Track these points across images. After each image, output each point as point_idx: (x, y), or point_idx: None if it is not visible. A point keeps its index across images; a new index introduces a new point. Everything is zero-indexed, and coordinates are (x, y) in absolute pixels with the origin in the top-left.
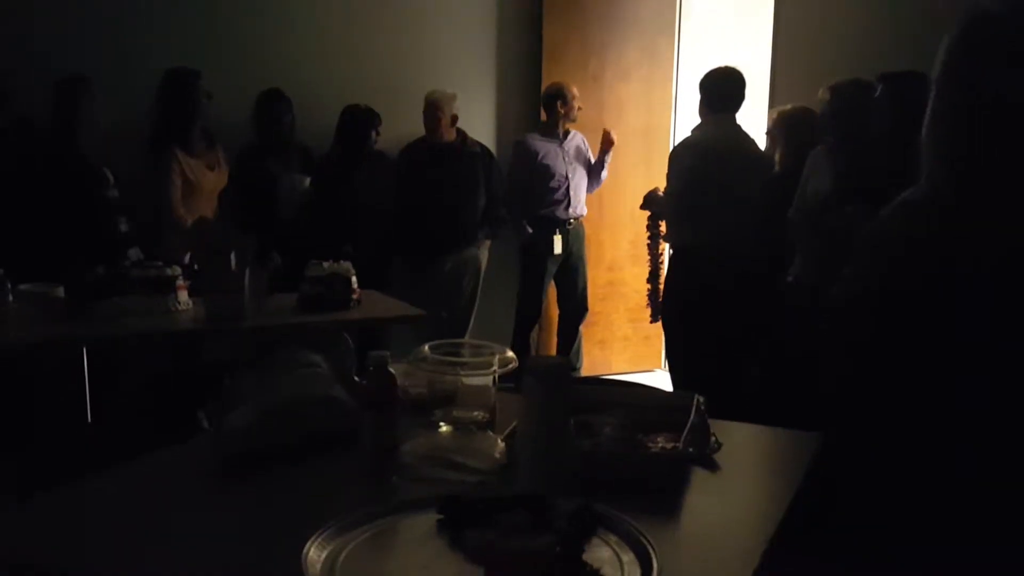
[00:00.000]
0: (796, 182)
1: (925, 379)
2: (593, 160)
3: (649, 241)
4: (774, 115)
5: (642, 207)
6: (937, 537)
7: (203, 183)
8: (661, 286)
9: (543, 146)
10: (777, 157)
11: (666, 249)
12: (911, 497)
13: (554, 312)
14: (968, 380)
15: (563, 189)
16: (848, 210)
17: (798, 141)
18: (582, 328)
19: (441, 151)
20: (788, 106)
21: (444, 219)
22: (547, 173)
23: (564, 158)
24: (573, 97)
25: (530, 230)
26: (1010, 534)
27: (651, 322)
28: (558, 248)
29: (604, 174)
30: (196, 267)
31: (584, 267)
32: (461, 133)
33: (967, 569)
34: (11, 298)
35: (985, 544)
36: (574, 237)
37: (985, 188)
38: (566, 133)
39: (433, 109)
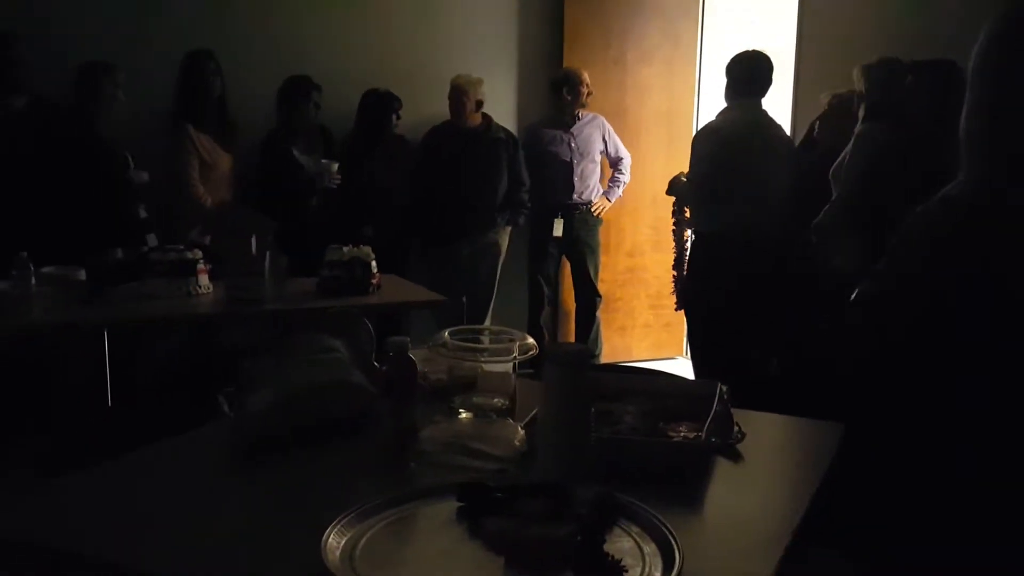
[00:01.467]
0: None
1: (946, 379)
2: (611, 148)
3: (675, 227)
4: (830, 98)
5: (667, 192)
6: (937, 537)
7: (218, 163)
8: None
9: (547, 133)
10: (831, 140)
11: (690, 235)
12: (913, 497)
13: (570, 299)
14: (985, 381)
15: (565, 176)
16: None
17: (850, 124)
18: (601, 315)
19: (465, 136)
20: (843, 90)
21: (466, 203)
22: (549, 160)
23: (571, 144)
24: (581, 83)
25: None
26: (1010, 534)
27: (676, 310)
28: (558, 231)
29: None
30: (217, 246)
31: (594, 255)
32: (486, 118)
33: (967, 569)
34: (34, 281)
35: (985, 544)
36: (580, 223)
37: (1014, 186)
38: (577, 118)
39: (458, 94)
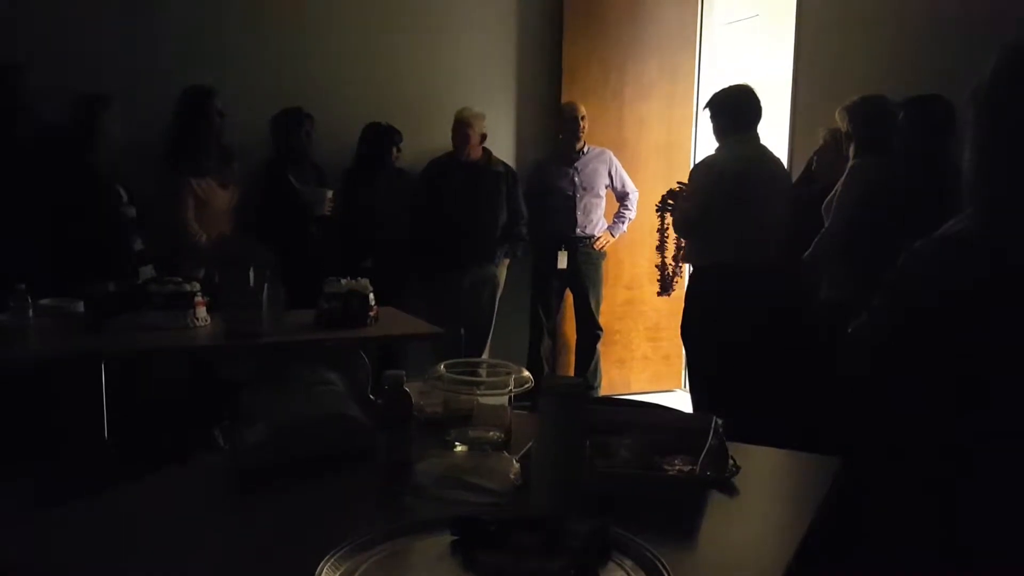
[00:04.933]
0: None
1: (948, 411)
2: (617, 183)
3: (658, 205)
4: (825, 134)
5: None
6: (946, 543)
7: (214, 201)
8: (667, 259)
9: (551, 167)
10: (830, 174)
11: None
12: (923, 505)
13: (571, 331)
14: (985, 417)
15: (568, 210)
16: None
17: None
18: (600, 347)
19: (466, 169)
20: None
21: (465, 236)
22: (553, 194)
23: (575, 178)
24: (573, 118)
25: None
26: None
27: (659, 294)
28: (562, 263)
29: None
30: (216, 280)
31: (596, 288)
32: (486, 152)
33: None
34: (31, 312)
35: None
36: (583, 257)
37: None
38: (582, 152)
39: (463, 127)
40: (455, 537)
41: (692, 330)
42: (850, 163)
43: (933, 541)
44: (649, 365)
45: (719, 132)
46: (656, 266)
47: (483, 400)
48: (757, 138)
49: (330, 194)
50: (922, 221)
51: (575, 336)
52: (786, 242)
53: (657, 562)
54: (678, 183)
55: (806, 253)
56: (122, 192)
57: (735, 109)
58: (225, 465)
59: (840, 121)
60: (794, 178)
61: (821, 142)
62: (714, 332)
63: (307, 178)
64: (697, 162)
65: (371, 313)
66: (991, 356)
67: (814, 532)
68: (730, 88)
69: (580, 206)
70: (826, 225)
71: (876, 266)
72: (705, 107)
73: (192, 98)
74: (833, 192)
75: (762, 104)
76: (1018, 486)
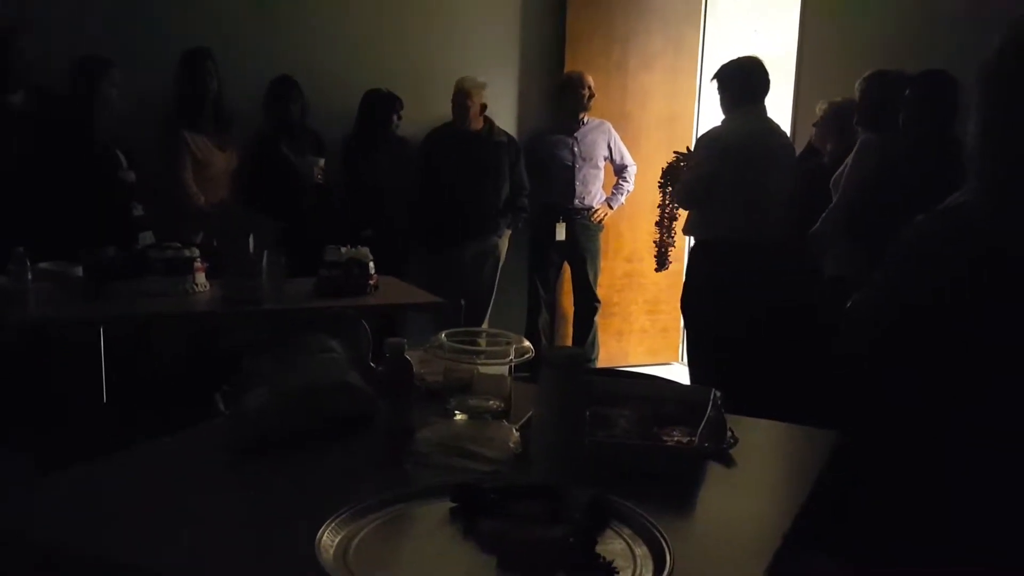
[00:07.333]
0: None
1: (948, 389)
2: (616, 155)
3: (661, 181)
4: (824, 106)
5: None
6: (939, 537)
7: (212, 162)
8: (666, 237)
9: (551, 137)
10: (829, 148)
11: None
12: (917, 497)
13: (569, 303)
14: (993, 391)
15: (567, 180)
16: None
17: (849, 133)
18: (599, 319)
19: (468, 139)
20: (839, 98)
21: (467, 207)
22: (551, 163)
23: (575, 149)
24: (581, 87)
25: None
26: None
27: (656, 270)
28: (560, 235)
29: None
30: (215, 245)
31: (594, 260)
32: (488, 121)
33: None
34: (30, 276)
35: (986, 544)
36: (581, 228)
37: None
38: (582, 123)
39: (463, 97)
40: (455, 504)
41: (692, 303)
42: (860, 138)
43: (927, 535)
44: (647, 338)
45: (726, 104)
46: (654, 241)
47: (483, 369)
48: (764, 111)
49: (321, 162)
50: (930, 198)
51: (573, 308)
52: (790, 217)
53: (655, 531)
54: (675, 153)
55: (813, 228)
56: (121, 157)
57: (743, 81)
58: (226, 431)
59: (857, 93)
60: (797, 152)
61: (819, 115)
62: (714, 306)
63: (302, 147)
64: (702, 133)
65: (371, 282)
66: (987, 351)
67: (811, 505)
68: (739, 60)
69: (579, 176)
70: (834, 200)
71: (883, 243)
72: (712, 78)
73: (188, 60)
74: (842, 167)
75: (769, 77)
76: (1010, 482)
